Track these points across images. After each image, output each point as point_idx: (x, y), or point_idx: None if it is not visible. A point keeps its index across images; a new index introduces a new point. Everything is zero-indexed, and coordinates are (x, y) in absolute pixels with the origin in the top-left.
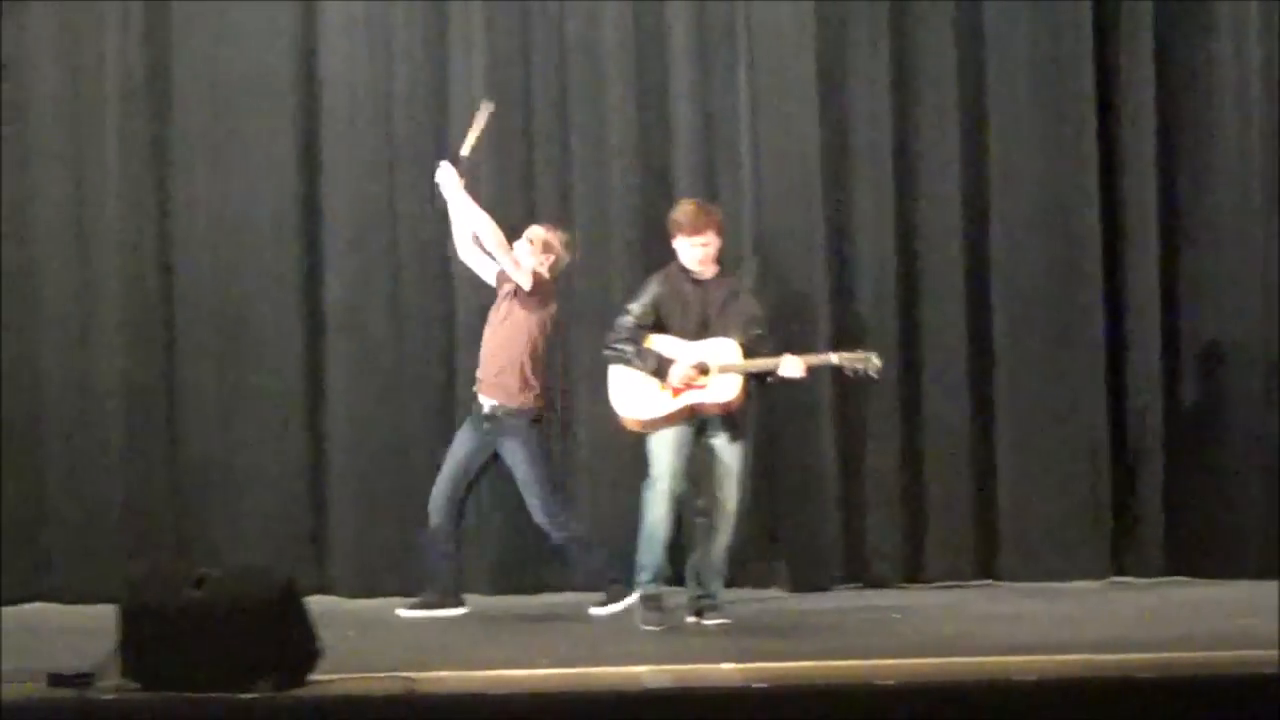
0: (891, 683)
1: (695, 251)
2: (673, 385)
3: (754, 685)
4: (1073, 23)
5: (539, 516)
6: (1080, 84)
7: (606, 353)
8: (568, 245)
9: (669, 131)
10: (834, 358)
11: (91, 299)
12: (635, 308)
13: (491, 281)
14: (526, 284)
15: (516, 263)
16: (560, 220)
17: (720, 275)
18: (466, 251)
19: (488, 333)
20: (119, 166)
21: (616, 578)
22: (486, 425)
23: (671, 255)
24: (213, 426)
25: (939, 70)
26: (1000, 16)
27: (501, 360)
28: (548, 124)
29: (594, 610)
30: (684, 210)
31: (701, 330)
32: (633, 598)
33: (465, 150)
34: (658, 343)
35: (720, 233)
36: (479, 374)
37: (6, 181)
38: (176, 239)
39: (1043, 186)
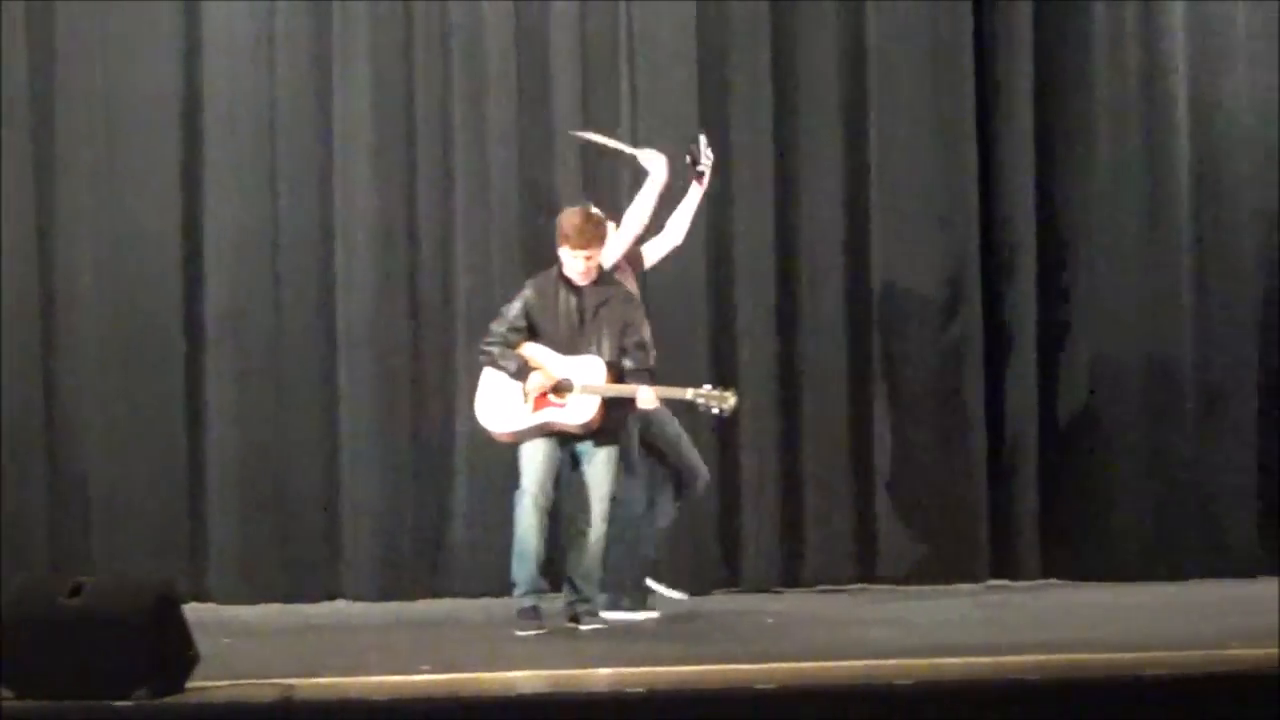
0: (769, 686)
1: (578, 263)
2: (532, 396)
3: (628, 690)
4: (954, 28)
5: None
6: (961, 91)
7: (479, 357)
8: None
9: (551, 137)
10: (689, 393)
11: None
12: (507, 312)
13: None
14: None
15: None
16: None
17: (600, 281)
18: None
19: None
20: None
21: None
22: None
23: (554, 259)
24: (92, 436)
25: (820, 74)
26: (882, 20)
27: None
28: (430, 126)
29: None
30: (571, 222)
31: (575, 335)
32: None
33: (626, 148)
34: (529, 350)
35: (605, 244)
36: None
37: None
38: (58, 251)
39: (923, 197)
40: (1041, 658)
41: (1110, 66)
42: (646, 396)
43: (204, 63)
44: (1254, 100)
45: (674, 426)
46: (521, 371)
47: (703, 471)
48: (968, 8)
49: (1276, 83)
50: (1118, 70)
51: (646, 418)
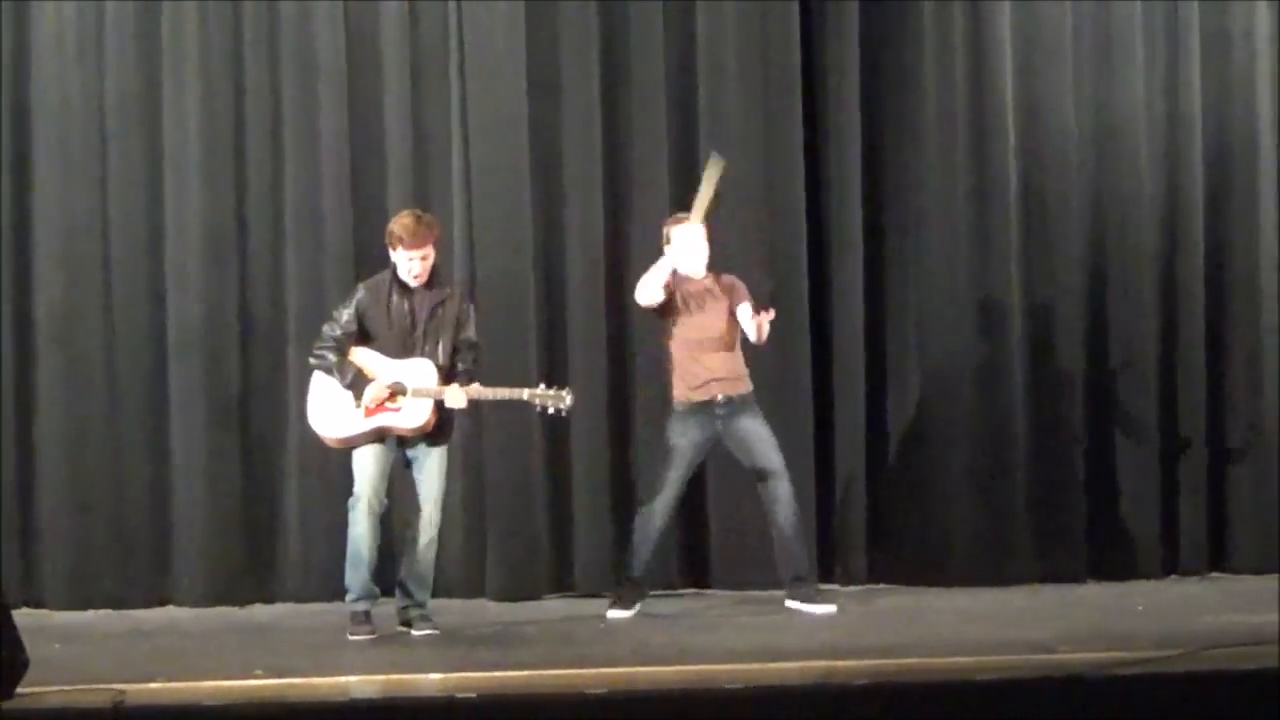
0: (600, 691)
1: (413, 265)
2: (366, 405)
3: (459, 695)
4: (782, 27)
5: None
6: (788, 90)
7: (311, 361)
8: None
9: (382, 137)
10: (525, 394)
11: None
12: (340, 315)
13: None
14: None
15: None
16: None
17: (431, 284)
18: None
19: (706, 333)
20: None
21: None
22: (721, 412)
23: (386, 263)
24: None
25: (650, 74)
26: (710, 19)
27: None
28: (260, 129)
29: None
30: (403, 224)
31: (408, 339)
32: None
33: (697, 213)
34: (361, 357)
35: (438, 245)
36: (717, 373)
37: None
38: None
39: (751, 194)
40: (870, 662)
41: (937, 63)
42: (454, 395)
43: (32, 62)
44: (1079, 98)
45: (753, 430)
46: (356, 382)
47: (778, 474)
48: (795, 7)
49: (1102, 79)
50: (945, 66)
51: (724, 420)
